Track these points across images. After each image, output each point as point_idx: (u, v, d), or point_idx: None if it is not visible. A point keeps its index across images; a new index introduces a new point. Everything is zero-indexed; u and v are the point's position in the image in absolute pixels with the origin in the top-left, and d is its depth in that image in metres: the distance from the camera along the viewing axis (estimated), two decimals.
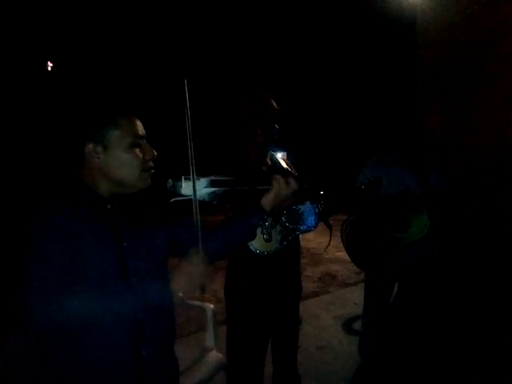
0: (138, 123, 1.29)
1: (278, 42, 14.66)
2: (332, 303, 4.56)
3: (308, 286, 5.20)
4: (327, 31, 13.97)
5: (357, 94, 14.19)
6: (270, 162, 2.14)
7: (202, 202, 1.30)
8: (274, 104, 2.10)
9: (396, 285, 2.89)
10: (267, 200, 1.43)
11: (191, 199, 1.27)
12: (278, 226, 1.98)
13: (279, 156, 2.23)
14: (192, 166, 1.25)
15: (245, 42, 14.63)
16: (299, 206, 1.98)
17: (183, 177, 1.29)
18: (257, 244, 1.94)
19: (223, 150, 2.16)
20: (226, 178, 1.37)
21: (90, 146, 1.22)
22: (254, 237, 1.59)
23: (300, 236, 2.11)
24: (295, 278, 2.20)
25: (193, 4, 13.57)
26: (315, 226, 2.01)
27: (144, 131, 1.30)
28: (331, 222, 2.15)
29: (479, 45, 3.21)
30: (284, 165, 2.20)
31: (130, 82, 13.38)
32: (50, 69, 14.07)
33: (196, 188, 1.26)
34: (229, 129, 2.21)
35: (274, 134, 2.09)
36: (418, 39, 3.70)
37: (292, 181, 1.44)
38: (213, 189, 1.33)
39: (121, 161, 1.23)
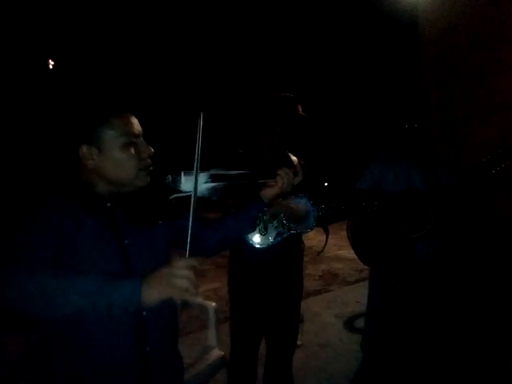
0: (133, 121, 1.26)
1: (283, 43, 14.65)
2: (333, 301, 4.58)
3: (309, 284, 5.22)
4: (329, 31, 13.96)
5: (363, 92, 14.18)
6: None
7: (202, 199, 1.25)
8: (301, 109, 2.12)
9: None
10: (270, 193, 1.43)
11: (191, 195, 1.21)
12: (275, 221, 1.99)
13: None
14: (197, 161, 1.15)
15: (249, 42, 14.62)
16: (300, 206, 1.99)
17: (183, 172, 1.24)
18: (252, 235, 1.96)
19: (234, 143, 2.15)
20: (226, 172, 1.31)
21: (84, 147, 1.21)
22: (253, 229, 1.58)
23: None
24: (296, 276, 2.21)
25: (197, 2, 13.56)
26: (311, 229, 2.01)
27: (140, 129, 1.27)
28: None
29: (480, 45, 3.21)
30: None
31: (130, 77, 13.35)
32: (51, 67, 14.07)
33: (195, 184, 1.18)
34: (246, 122, 2.20)
35: (292, 138, 2.10)
36: (420, 39, 3.70)
37: (298, 173, 1.42)
38: (213, 184, 1.28)
39: (116, 161, 1.21)
